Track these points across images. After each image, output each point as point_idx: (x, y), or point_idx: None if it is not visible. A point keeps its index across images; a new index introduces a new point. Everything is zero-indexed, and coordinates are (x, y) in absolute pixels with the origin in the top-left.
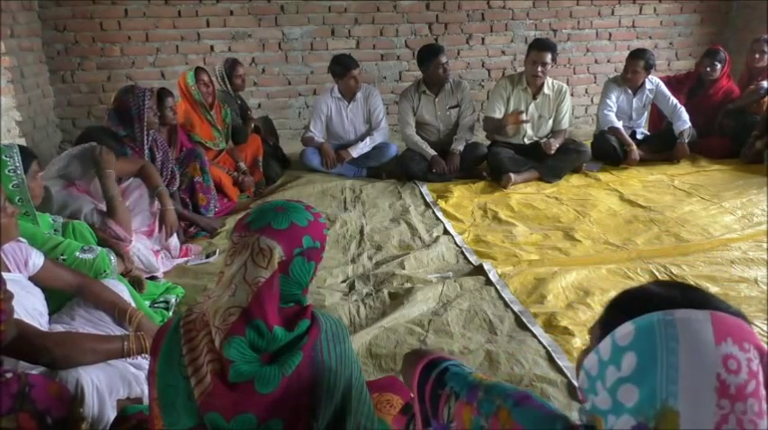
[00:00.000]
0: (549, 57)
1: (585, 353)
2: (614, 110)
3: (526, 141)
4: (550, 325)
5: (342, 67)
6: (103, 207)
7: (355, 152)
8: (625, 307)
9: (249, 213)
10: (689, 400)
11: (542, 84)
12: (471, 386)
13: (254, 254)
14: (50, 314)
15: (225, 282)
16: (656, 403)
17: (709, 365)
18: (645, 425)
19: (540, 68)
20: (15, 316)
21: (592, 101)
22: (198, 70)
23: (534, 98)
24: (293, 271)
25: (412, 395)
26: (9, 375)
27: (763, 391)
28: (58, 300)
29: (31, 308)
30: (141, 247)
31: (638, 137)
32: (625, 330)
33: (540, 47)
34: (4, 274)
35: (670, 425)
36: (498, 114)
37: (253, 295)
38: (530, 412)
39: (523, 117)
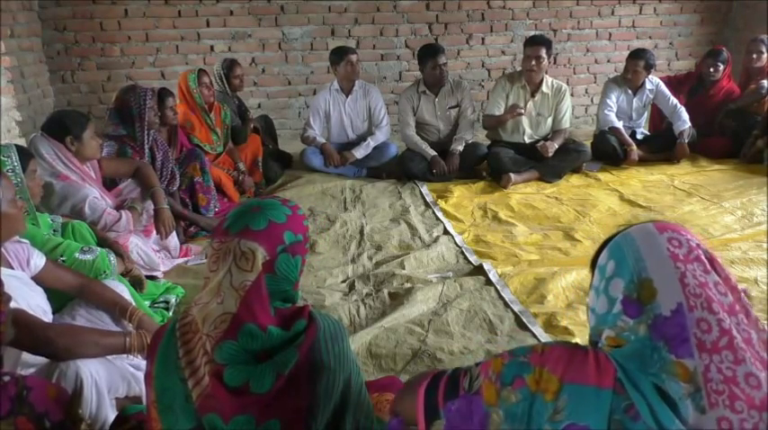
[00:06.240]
0: (542, 50)
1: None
2: (614, 110)
3: (526, 140)
4: (551, 325)
5: (338, 55)
6: (108, 198)
7: (359, 153)
8: (601, 250)
9: (226, 218)
10: (655, 268)
11: (541, 81)
12: (481, 363)
13: (236, 259)
14: (52, 314)
15: (213, 290)
16: (635, 279)
17: (660, 245)
18: (630, 297)
19: (533, 62)
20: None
21: (592, 101)
22: (200, 72)
23: (533, 96)
24: (279, 268)
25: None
26: (7, 378)
27: (704, 258)
28: (58, 302)
29: (34, 305)
30: (140, 243)
31: (638, 137)
32: (602, 256)
33: (533, 42)
34: (8, 271)
35: (648, 290)
36: (498, 112)
37: (240, 300)
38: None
39: (521, 110)
